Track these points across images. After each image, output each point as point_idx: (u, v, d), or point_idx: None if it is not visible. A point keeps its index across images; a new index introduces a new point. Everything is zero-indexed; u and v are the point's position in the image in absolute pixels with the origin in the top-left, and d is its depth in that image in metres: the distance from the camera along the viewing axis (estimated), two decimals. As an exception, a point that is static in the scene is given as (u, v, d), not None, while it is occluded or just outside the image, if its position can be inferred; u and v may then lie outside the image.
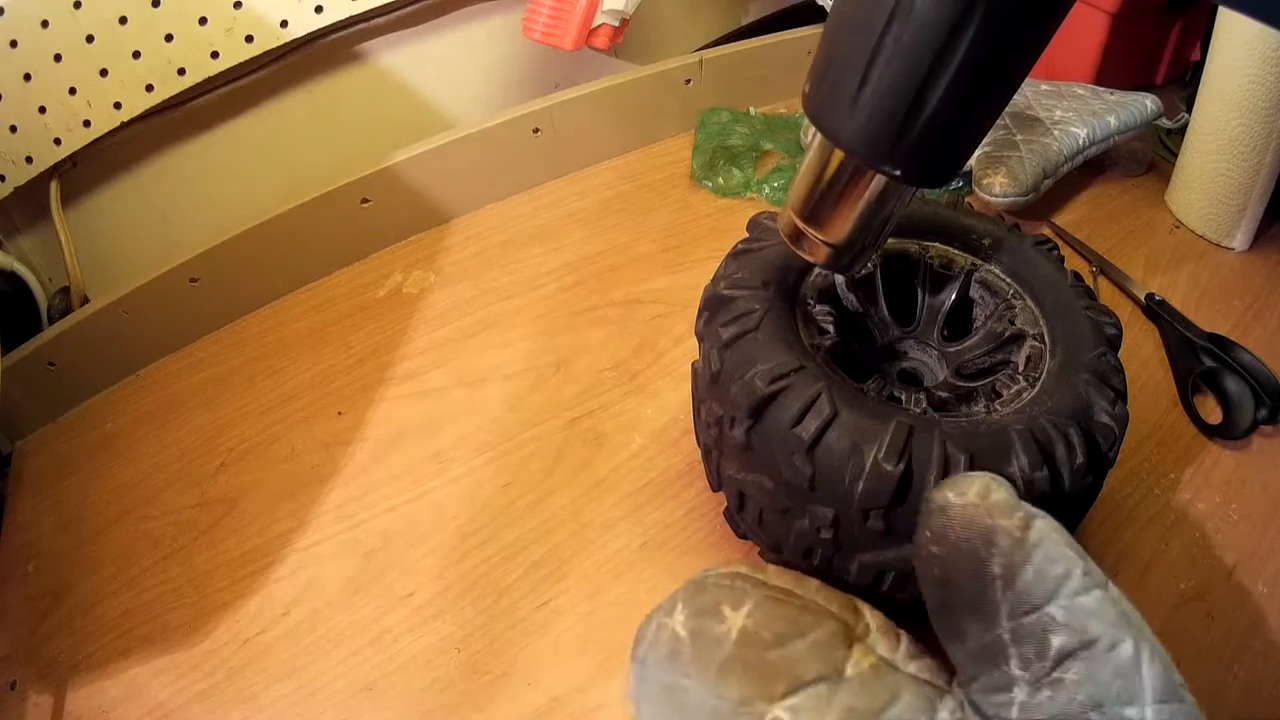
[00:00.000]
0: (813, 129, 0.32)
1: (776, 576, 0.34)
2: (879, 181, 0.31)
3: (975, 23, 0.25)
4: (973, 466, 0.31)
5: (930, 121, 0.27)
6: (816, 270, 0.41)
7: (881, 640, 0.33)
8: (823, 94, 0.30)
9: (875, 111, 0.28)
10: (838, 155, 0.31)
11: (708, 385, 0.38)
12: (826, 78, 0.29)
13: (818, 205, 0.33)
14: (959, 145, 0.30)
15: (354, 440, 0.50)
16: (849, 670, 0.31)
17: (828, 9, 0.71)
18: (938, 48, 0.26)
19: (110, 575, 0.45)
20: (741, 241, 0.41)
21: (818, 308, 0.39)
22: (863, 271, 0.43)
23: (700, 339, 0.39)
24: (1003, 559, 0.26)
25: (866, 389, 0.37)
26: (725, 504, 0.42)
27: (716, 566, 0.35)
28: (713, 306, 0.39)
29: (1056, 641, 0.25)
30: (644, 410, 0.51)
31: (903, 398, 0.37)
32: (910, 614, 0.37)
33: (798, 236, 0.34)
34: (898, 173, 0.29)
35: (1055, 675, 0.25)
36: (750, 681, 0.30)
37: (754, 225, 0.42)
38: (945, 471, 0.31)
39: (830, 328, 0.39)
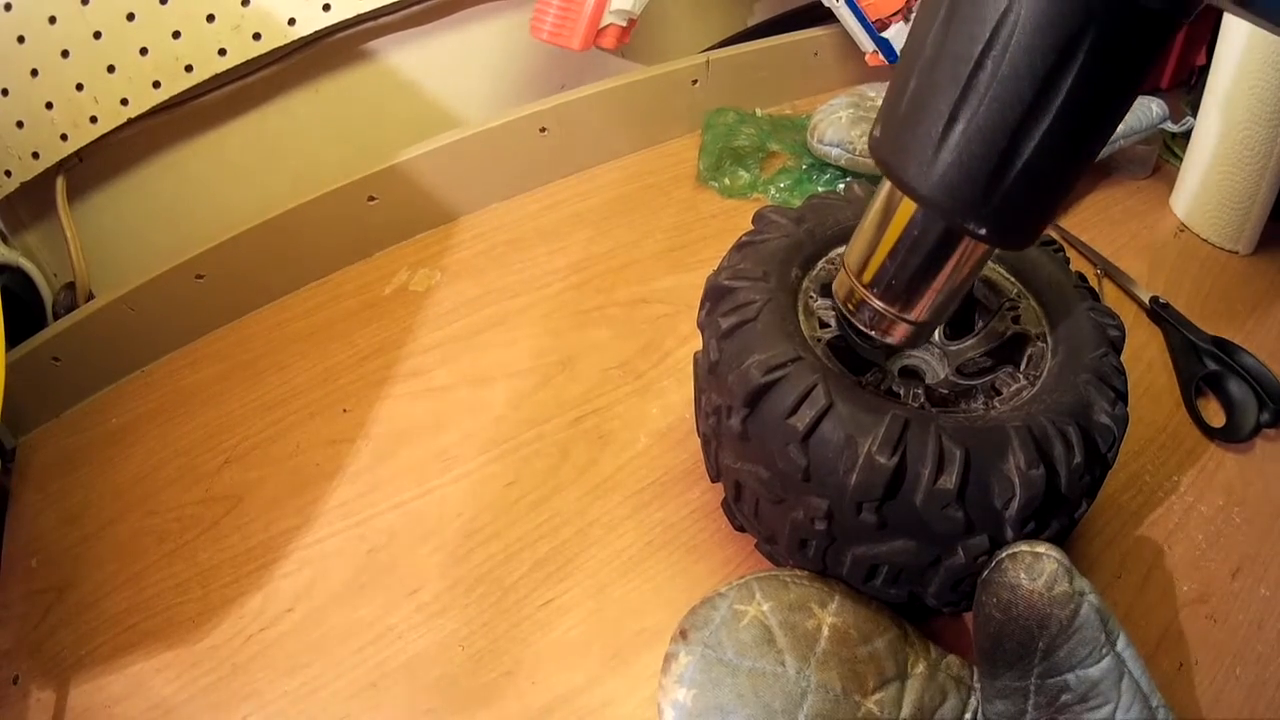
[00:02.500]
0: (885, 184, 0.27)
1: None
2: (969, 245, 0.27)
3: (1083, 53, 0.22)
4: (969, 462, 0.31)
5: (1026, 169, 0.24)
6: (820, 265, 0.41)
7: (922, 642, 0.36)
8: (896, 136, 0.26)
9: (963, 157, 0.24)
10: (908, 211, 0.27)
11: (707, 375, 0.38)
12: (900, 118, 0.25)
13: (892, 274, 0.29)
14: (1049, 199, 0.26)
15: (359, 437, 0.51)
16: (912, 670, 0.35)
17: (834, 10, 0.72)
18: (1041, 79, 0.23)
19: (114, 571, 0.45)
20: (745, 234, 0.42)
21: (819, 301, 0.39)
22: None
23: (701, 329, 0.39)
24: (1048, 639, 0.31)
25: (864, 382, 0.37)
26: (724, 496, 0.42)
27: (755, 571, 0.37)
28: (714, 297, 0.39)
29: (1064, 698, 0.32)
30: (649, 409, 0.51)
31: (901, 392, 0.37)
32: (903, 612, 0.38)
33: (860, 307, 0.31)
34: (983, 231, 0.26)
35: (1054, 714, 0.32)
36: (845, 675, 0.33)
37: (759, 218, 0.42)
38: (940, 465, 0.31)
39: (831, 321, 0.39)
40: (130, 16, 0.55)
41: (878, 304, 0.31)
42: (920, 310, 0.30)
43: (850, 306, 0.32)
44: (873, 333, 0.32)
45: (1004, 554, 0.32)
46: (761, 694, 0.33)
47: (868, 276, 0.30)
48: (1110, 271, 0.59)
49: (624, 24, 0.63)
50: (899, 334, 0.32)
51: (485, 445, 0.49)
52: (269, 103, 0.66)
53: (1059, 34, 0.22)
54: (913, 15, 0.71)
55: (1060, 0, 0.22)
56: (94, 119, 0.57)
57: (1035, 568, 0.31)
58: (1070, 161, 0.25)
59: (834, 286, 0.33)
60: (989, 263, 0.43)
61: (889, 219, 0.29)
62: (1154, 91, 0.73)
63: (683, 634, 0.35)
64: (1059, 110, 0.23)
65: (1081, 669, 0.31)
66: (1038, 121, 0.23)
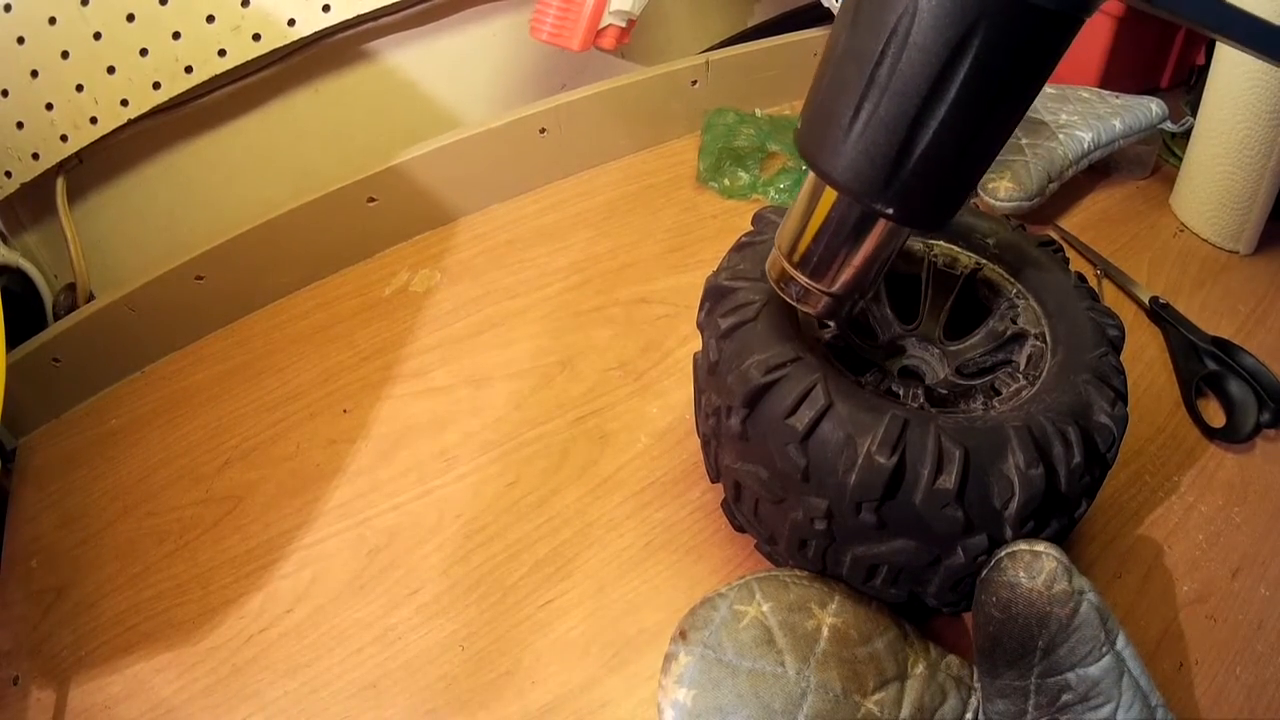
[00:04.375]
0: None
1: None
2: (881, 226, 0.30)
3: (974, 49, 0.24)
4: (968, 462, 0.31)
5: (925, 156, 0.26)
6: None
7: (921, 643, 0.36)
8: (814, 129, 0.28)
9: (868, 145, 0.27)
10: (830, 196, 0.30)
11: (706, 375, 0.38)
12: (819, 112, 0.28)
13: (813, 251, 0.32)
14: (954, 184, 0.28)
15: (359, 438, 0.51)
16: (912, 670, 0.35)
17: (834, 11, 0.72)
18: (935, 74, 0.25)
19: (113, 571, 0.45)
20: (745, 234, 0.42)
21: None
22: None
23: (701, 329, 0.39)
24: (1048, 637, 0.31)
25: (864, 383, 0.37)
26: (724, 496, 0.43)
27: (755, 572, 0.37)
28: (714, 297, 0.39)
29: (1064, 697, 0.32)
30: (649, 409, 0.51)
31: (901, 392, 0.37)
32: (903, 612, 0.38)
33: (788, 283, 0.33)
34: (890, 211, 0.28)
35: (1055, 714, 0.32)
36: (845, 675, 0.33)
37: (758, 219, 0.42)
38: (939, 465, 0.31)
39: (830, 321, 0.39)
40: (130, 17, 0.55)
41: (804, 280, 0.32)
42: (839, 284, 0.32)
43: (781, 284, 0.34)
44: (799, 305, 0.34)
45: (1003, 553, 0.32)
46: (761, 694, 0.33)
47: (797, 256, 0.32)
48: (1110, 271, 0.59)
49: (623, 24, 0.63)
50: (821, 305, 0.33)
51: (485, 445, 0.49)
52: (269, 104, 0.66)
53: (951, 31, 0.24)
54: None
55: (951, 2, 0.24)
56: (94, 120, 0.57)
57: (1034, 566, 0.31)
58: (968, 152, 0.27)
59: (766, 265, 0.35)
60: (989, 264, 0.43)
61: (814, 204, 0.31)
62: (1154, 91, 0.73)
63: (682, 634, 0.35)
64: (953, 103, 0.25)
65: (1082, 668, 0.31)
66: (933, 113, 0.25)
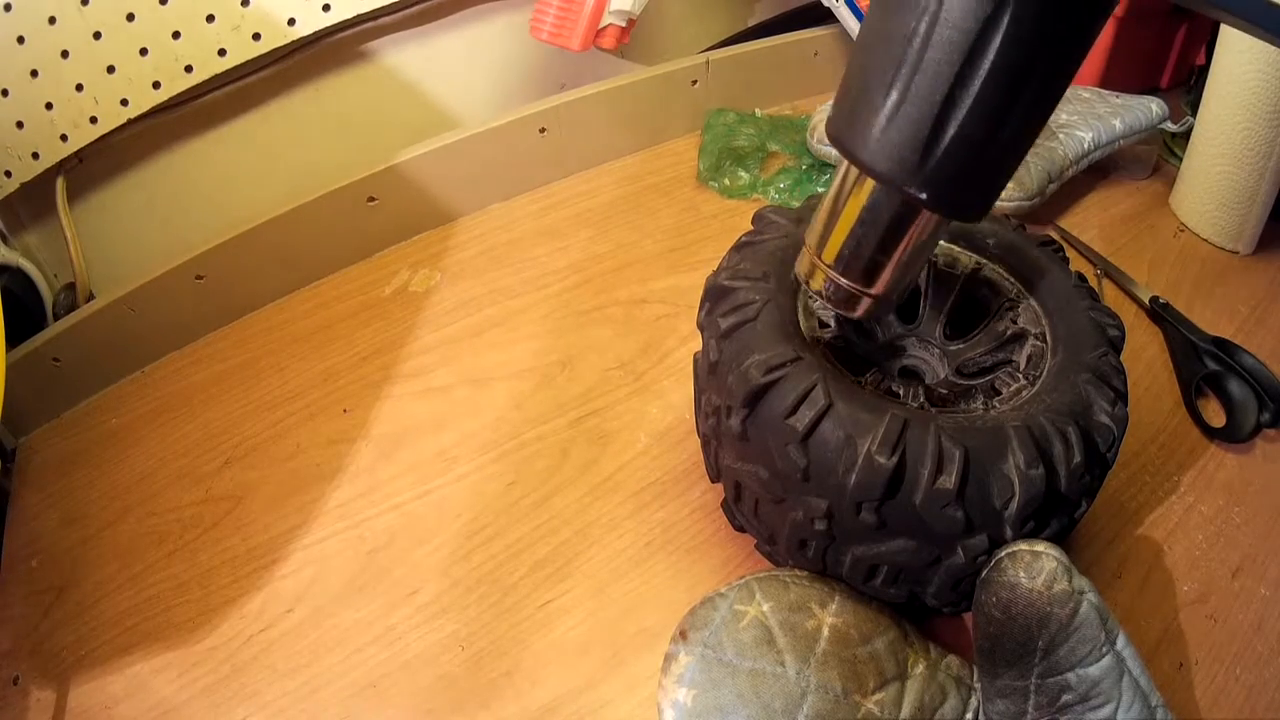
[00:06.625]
0: (843, 162, 0.29)
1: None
2: (919, 216, 0.29)
3: (1004, 24, 0.24)
4: (968, 462, 0.31)
5: (958, 137, 0.26)
6: None
7: (921, 643, 0.36)
8: (846, 113, 0.28)
9: (902, 125, 0.26)
10: (864, 187, 0.29)
11: (706, 375, 0.38)
12: (851, 96, 0.28)
13: (851, 249, 0.30)
14: (988, 170, 0.28)
15: (359, 438, 0.51)
16: (912, 670, 0.35)
17: (833, 11, 0.72)
18: (968, 49, 0.24)
19: (114, 571, 0.45)
20: (745, 234, 0.42)
21: (819, 301, 0.39)
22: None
23: (701, 329, 0.39)
24: (1048, 637, 0.31)
25: (864, 383, 0.37)
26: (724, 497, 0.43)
27: (755, 572, 0.37)
28: (714, 297, 0.39)
29: (1065, 697, 0.32)
30: (649, 409, 0.51)
31: (901, 392, 0.37)
32: (903, 612, 0.38)
33: (826, 285, 0.32)
34: (924, 196, 0.27)
35: (1055, 714, 0.32)
36: (845, 675, 0.33)
37: (758, 219, 0.42)
38: (939, 465, 0.31)
39: (831, 321, 0.39)
40: (130, 17, 0.55)
41: (840, 279, 0.32)
42: (881, 284, 0.31)
43: (812, 283, 0.33)
44: (834, 308, 0.33)
45: (1003, 553, 0.32)
46: (761, 694, 0.33)
47: (829, 254, 0.32)
48: (1110, 271, 0.59)
49: (623, 24, 0.63)
50: (861, 308, 0.32)
51: (485, 445, 0.49)
52: (269, 103, 0.66)
53: (982, 6, 0.24)
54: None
55: None
56: (94, 119, 0.57)
57: (1034, 566, 0.31)
58: (1002, 133, 0.26)
59: (796, 266, 0.34)
60: (989, 263, 0.43)
61: (846, 196, 0.30)
62: (1154, 91, 0.73)
63: (683, 634, 0.35)
64: (986, 79, 0.25)
65: (1082, 668, 0.31)
66: (966, 89, 0.25)
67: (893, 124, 0.26)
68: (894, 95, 0.26)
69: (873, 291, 0.32)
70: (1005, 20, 0.24)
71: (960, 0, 0.24)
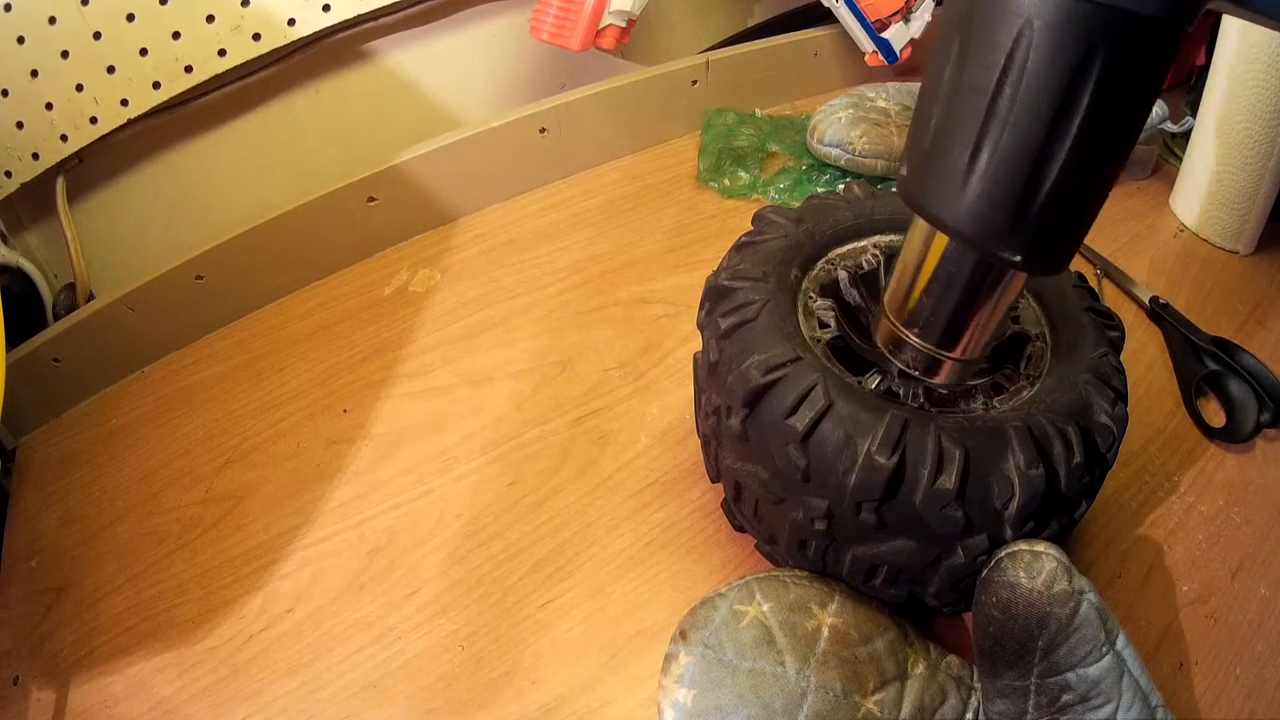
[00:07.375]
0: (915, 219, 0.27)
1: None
2: (1001, 274, 0.28)
3: (1096, 71, 0.22)
4: (968, 462, 0.31)
5: (1053, 192, 0.24)
6: (819, 265, 0.41)
7: (921, 643, 0.36)
8: (924, 174, 0.26)
9: (990, 186, 0.24)
10: (940, 245, 0.27)
11: (706, 375, 0.38)
12: (928, 155, 0.26)
13: (929, 311, 0.29)
14: (1081, 219, 0.26)
15: (359, 438, 0.51)
16: (912, 670, 0.34)
17: (833, 11, 0.72)
18: (1058, 101, 0.23)
19: (113, 571, 0.45)
20: (745, 234, 0.42)
21: (819, 301, 0.39)
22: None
23: (701, 329, 0.39)
24: (1048, 637, 0.31)
25: (864, 383, 0.37)
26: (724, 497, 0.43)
27: (755, 572, 0.37)
28: (713, 297, 0.39)
29: (1065, 697, 0.32)
30: (649, 409, 0.51)
31: (901, 392, 0.37)
32: (903, 612, 0.38)
33: (903, 348, 0.31)
34: (1017, 258, 0.25)
35: (1055, 714, 0.32)
36: (845, 675, 0.34)
37: (758, 219, 0.42)
38: (939, 465, 0.31)
39: (831, 321, 0.39)
40: (130, 17, 0.55)
41: (917, 343, 0.31)
42: (963, 347, 0.30)
43: (892, 349, 0.32)
44: (916, 373, 0.32)
45: (1003, 553, 0.32)
46: (761, 694, 0.33)
47: (906, 316, 0.31)
48: (1110, 271, 0.59)
49: (623, 24, 0.63)
50: (944, 373, 0.31)
51: (485, 445, 0.49)
52: (269, 103, 0.66)
53: (1071, 55, 0.22)
54: (912, 18, 0.71)
55: (1069, 23, 0.22)
56: (94, 120, 0.57)
57: (1034, 566, 0.31)
58: (1096, 180, 0.25)
59: (876, 334, 0.33)
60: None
61: (924, 257, 0.29)
62: (1154, 92, 0.73)
63: (683, 634, 0.35)
64: (1080, 129, 0.23)
65: (1082, 668, 0.31)
66: (1060, 143, 0.23)
67: (980, 185, 0.25)
68: (982, 155, 0.24)
69: (954, 355, 0.31)
70: (1097, 66, 0.22)
71: (1048, 50, 0.22)
